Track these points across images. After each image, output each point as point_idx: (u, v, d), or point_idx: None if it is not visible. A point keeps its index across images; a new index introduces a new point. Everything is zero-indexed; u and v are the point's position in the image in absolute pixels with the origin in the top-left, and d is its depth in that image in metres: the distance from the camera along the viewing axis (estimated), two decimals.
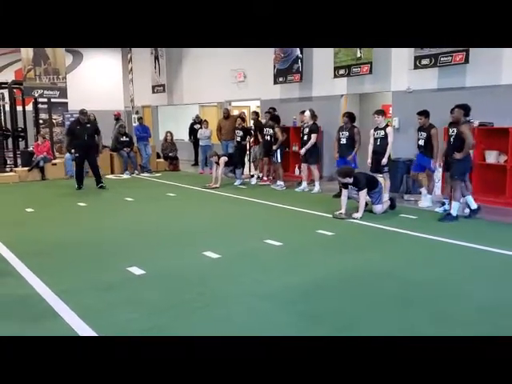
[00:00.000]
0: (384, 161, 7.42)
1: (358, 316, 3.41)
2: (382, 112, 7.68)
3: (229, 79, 13.52)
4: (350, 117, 8.33)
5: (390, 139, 7.46)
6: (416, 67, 8.67)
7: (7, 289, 3.98)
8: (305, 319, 3.33)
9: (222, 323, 3.27)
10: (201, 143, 12.57)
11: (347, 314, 3.43)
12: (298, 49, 11.04)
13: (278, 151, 9.67)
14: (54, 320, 3.32)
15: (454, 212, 6.36)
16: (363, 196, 6.48)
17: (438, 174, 7.75)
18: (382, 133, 7.52)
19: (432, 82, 8.66)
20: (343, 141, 8.22)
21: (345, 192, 6.63)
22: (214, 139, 12.51)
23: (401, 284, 4.05)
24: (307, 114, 8.99)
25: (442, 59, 8.20)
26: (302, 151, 8.90)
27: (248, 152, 11.58)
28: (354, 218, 6.40)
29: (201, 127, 12.85)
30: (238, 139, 10.86)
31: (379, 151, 7.51)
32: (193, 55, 15.22)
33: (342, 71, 10.08)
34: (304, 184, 9.14)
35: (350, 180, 6.49)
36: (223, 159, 9.54)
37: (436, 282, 4.10)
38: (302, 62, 11.03)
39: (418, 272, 4.38)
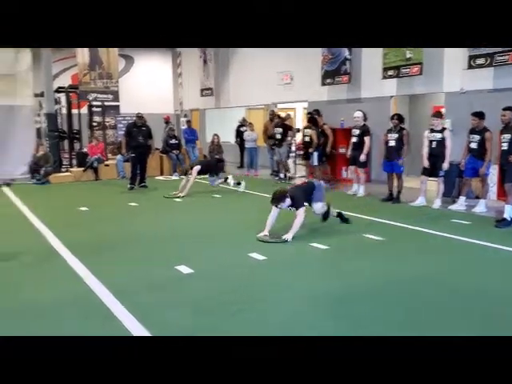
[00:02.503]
0: (445, 165, 7.27)
1: (402, 324, 3.34)
2: (440, 114, 7.55)
3: (275, 81, 13.57)
4: (400, 118, 8.15)
5: (448, 143, 7.30)
6: (470, 67, 8.39)
7: (64, 286, 4.16)
8: (348, 325, 3.30)
9: (264, 326, 3.29)
10: (247, 145, 12.68)
11: (392, 322, 3.37)
12: (346, 50, 10.94)
13: (315, 154, 9.63)
14: (109, 318, 3.45)
15: (507, 216, 6.12)
16: (301, 215, 5.59)
17: (493, 177, 7.46)
18: (439, 136, 7.35)
19: (487, 82, 8.36)
20: (392, 143, 8.06)
21: (274, 212, 5.71)
22: (260, 142, 12.59)
23: (452, 293, 3.93)
24: (359, 114, 8.82)
25: (497, 58, 7.90)
26: (362, 157, 8.63)
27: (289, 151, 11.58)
28: (284, 240, 5.43)
29: (246, 130, 12.97)
30: (278, 136, 10.89)
31: (436, 154, 7.36)
32: (240, 58, 15.37)
33: (390, 72, 9.90)
34: (355, 186, 9.01)
35: (288, 201, 5.61)
36: (196, 168, 9.08)
37: (489, 291, 3.96)
38: (350, 63, 10.91)
39: (470, 280, 4.24)
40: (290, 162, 12.11)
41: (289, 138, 11.25)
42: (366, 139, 8.67)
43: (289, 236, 5.48)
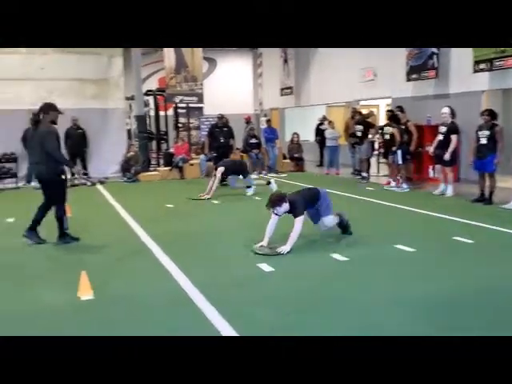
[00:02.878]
0: None
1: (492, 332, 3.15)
2: None
3: (357, 78, 13.32)
4: (492, 114, 7.63)
5: None
6: None
7: (153, 280, 4.39)
8: (440, 331, 3.17)
9: (351, 328, 3.26)
10: (327, 144, 12.56)
11: (480, 330, 3.19)
12: None
13: (399, 152, 9.30)
14: (196, 313, 3.60)
15: None
16: (299, 224, 5.02)
17: None
18: None
19: None
20: (483, 141, 7.57)
21: (273, 220, 5.18)
22: (341, 140, 12.42)
23: None
24: (446, 110, 8.39)
25: None
26: (447, 156, 8.25)
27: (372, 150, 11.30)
28: (280, 253, 4.90)
29: (327, 128, 12.85)
30: (359, 134, 10.66)
31: None
32: (321, 56, 15.26)
33: (482, 65, 9.32)
34: (442, 186, 8.61)
35: (286, 206, 5.08)
36: (220, 169, 8.89)
37: None
38: (437, 57, 10.43)
39: None
40: (373, 160, 11.81)
41: (370, 136, 10.99)
42: (453, 137, 8.24)
43: (286, 248, 4.93)
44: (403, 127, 9.64)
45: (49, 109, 5.55)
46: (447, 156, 8.24)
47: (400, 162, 9.38)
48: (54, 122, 5.67)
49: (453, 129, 8.29)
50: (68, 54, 11.81)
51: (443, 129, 8.38)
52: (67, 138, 11.70)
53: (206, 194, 8.79)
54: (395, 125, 9.55)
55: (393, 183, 9.57)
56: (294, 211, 5.05)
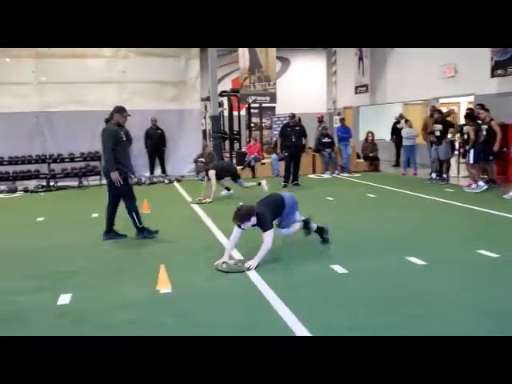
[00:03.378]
0: None
1: None
2: None
3: (436, 75, 12.78)
4: None
5: None
6: None
7: (229, 277, 4.49)
8: None
9: (429, 331, 3.16)
10: (404, 143, 12.16)
11: None
12: None
13: (472, 151, 8.96)
14: (267, 310, 3.67)
15: None
16: (268, 239, 4.62)
17: None
18: None
19: None
20: None
21: (236, 233, 4.75)
22: (419, 139, 11.98)
23: None
24: None
25: None
26: None
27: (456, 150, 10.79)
28: (247, 269, 4.49)
29: (404, 126, 12.45)
30: (438, 133, 10.21)
31: None
32: (398, 53, 14.79)
33: None
34: None
35: (254, 220, 4.65)
36: (212, 172, 8.63)
37: None
38: None
39: None
40: (453, 161, 11.29)
41: (449, 136, 10.50)
42: None
43: (253, 263, 4.55)
44: (486, 126, 9.17)
45: (114, 110, 5.91)
46: None
47: (471, 161, 9.02)
48: (120, 124, 5.97)
49: None
50: (148, 57, 12.40)
51: None
52: (147, 138, 12.30)
53: (204, 197, 8.54)
54: (472, 123, 9.15)
55: (474, 185, 9.10)
56: (262, 225, 4.68)
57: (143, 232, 5.93)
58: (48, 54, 11.68)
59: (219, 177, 8.78)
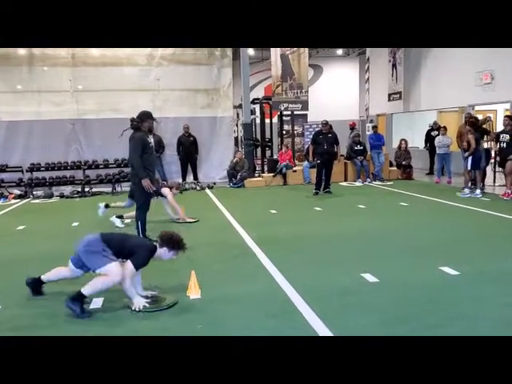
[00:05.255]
0: None
1: None
2: None
3: (472, 82, 12.50)
4: None
5: None
6: None
7: (258, 284, 4.52)
8: None
9: None
10: (438, 151, 11.92)
11: None
12: None
13: (470, 158, 9.35)
14: (295, 317, 3.65)
15: None
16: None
17: None
18: None
19: None
20: None
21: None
22: (453, 147, 11.73)
23: None
24: None
25: None
26: None
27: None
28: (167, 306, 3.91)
29: (438, 134, 12.22)
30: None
31: None
32: (432, 59, 14.57)
33: None
34: None
35: None
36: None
37: None
38: None
39: None
40: (489, 169, 10.99)
41: (485, 144, 10.22)
42: None
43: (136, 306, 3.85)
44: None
45: (143, 117, 5.87)
46: None
47: (469, 167, 9.42)
48: (150, 130, 6.03)
49: None
50: (181, 66, 12.61)
51: None
52: (179, 145, 12.49)
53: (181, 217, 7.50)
54: (472, 131, 9.43)
55: (466, 190, 9.48)
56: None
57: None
58: (84, 62, 12.05)
59: None
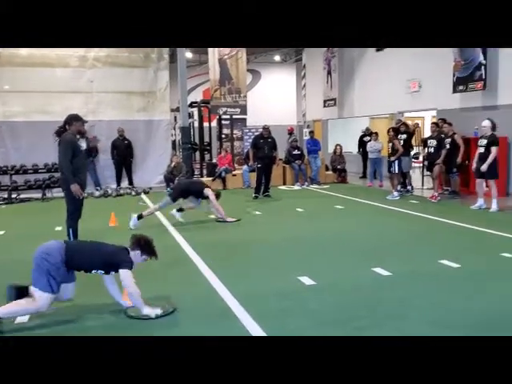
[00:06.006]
0: None
1: None
2: None
3: (402, 90, 13.12)
4: None
5: None
6: None
7: (194, 289, 4.47)
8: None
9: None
10: (370, 156, 12.40)
11: None
12: (480, 54, 10.19)
13: (396, 162, 9.78)
14: (231, 321, 3.64)
15: None
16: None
17: None
18: None
19: None
20: None
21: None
22: (384, 152, 12.22)
23: None
24: (487, 123, 8.20)
25: None
26: (484, 167, 8.03)
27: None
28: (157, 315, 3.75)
29: (370, 139, 12.70)
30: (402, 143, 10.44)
31: None
32: (364, 68, 15.15)
33: None
34: (480, 201, 8.32)
35: None
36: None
37: None
38: (485, 68, 10.14)
39: None
40: (417, 173, 11.57)
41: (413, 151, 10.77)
42: (493, 149, 8.02)
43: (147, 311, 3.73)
44: (449, 139, 9.50)
45: (71, 120, 5.65)
46: (484, 167, 8.02)
47: (397, 170, 9.84)
48: (81, 132, 5.81)
49: (493, 141, 8.06)
50: (116, 68, 12.27)
51: (483, 141, 8.19)
52: (114, 149, 12.14)
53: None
54: (394, 136, 9.99)
55: (395, 193, 9.91)
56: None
57: None
58: (10, 62, 11.43)
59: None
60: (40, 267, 3.54)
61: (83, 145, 5.90)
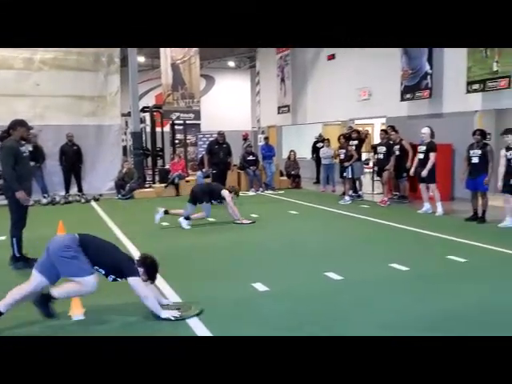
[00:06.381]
0: None
1: None
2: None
3: (353, 97, 13.44)
4: (482, 134, 7.77)
5: None
6: None
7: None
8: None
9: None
10: (323, 162, 12.61)
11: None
12: (427, 64, 10.61)
13: (350, 167, 10.03)
14: (182, 326, 3.57)
15: None
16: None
17: None
18: None
19: None
20: (475, 160, 7.64)
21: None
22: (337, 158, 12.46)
23: None
24: (426, 130, 8.59)
25: None
26: (424, 173, 8.39)
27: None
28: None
29: (323, 146, 12.92)
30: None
31: None
32: (317, 75, 15.42)
33: (475, 86, 9.43)
34: (427, 205, 8.64)
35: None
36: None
37: None
38: (431, 77, 10.55)
39: None
40: (368, 178, 11.87)
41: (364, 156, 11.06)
42: (432, 155, 8.42)
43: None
44: (398, 146, 9.81)
45: (16, 125, 5.41)
46: (424, 172, 8.37)
47: (350, 176, 10.18)
48: (24, 139, 5.59)
49: (431, 147, 8.44)
50: (64, 71, 11.90)
51: (423, 148, 8.56)
52: (62, 155, 11.74)
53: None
54: (347, 143, 10.36)
55: (347, 197, 10.19)
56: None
57: (18, 262, 5.44)
58: None
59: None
60: (65, 258, 3.55)
61: (26, 150, 5.63)
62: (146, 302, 3.71)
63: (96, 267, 3.69)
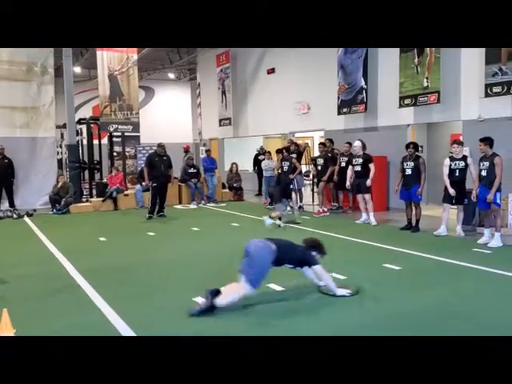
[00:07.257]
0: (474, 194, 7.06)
1: None
2: (461, 142, 7.70)
3: (292, 111, 13.72)
4: (415, 147, 8.23)
5: (473, 169, 7.28)
6: (487, 95, 8.36)
7: (81, 316, 4.18)
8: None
9: None
10: (265, 174, 12.73)
11: None
12: (362, 79, 11.03)
13: (295, 179, 10.13)
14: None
15: None
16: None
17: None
18: (462, 163, 7.38)
19: (505, 110, 8.30)
20: (408, 171, 8.02)
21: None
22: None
23: (475, 327, 3.82)
24: (358, 144, 8.96)
25: None
26: (368, 182, 8.74)
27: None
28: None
29: (264, 158, 13.05)
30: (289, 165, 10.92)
31: (460, 181, 7.41)
32: (258, 89, 15.63)
33: (407, 101, 9.91)
34: (364, 216, 8.95)
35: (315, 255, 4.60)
36: None
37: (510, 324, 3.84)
38: (366, 92, 10.98)
39: (492, 313, 4.11)
40: (309, 190, 12.10)
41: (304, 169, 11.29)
42: (372, 166, 8.83)
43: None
44: (331, 157, 10.18)
45: None
46: (368, 182, 8.74)
47: (297, 187, 10.35)
48: None
49: (368, 158, 8.87)
50: None
51: (359, 160, 8.93)
52: None
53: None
54: (290, 155, 10.48)
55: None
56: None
57: None
58: None
59: None
60: (259, 264, 4.19)
61: None
62: (328, 282, 4.50)
63: (286, 264, 4.43)
